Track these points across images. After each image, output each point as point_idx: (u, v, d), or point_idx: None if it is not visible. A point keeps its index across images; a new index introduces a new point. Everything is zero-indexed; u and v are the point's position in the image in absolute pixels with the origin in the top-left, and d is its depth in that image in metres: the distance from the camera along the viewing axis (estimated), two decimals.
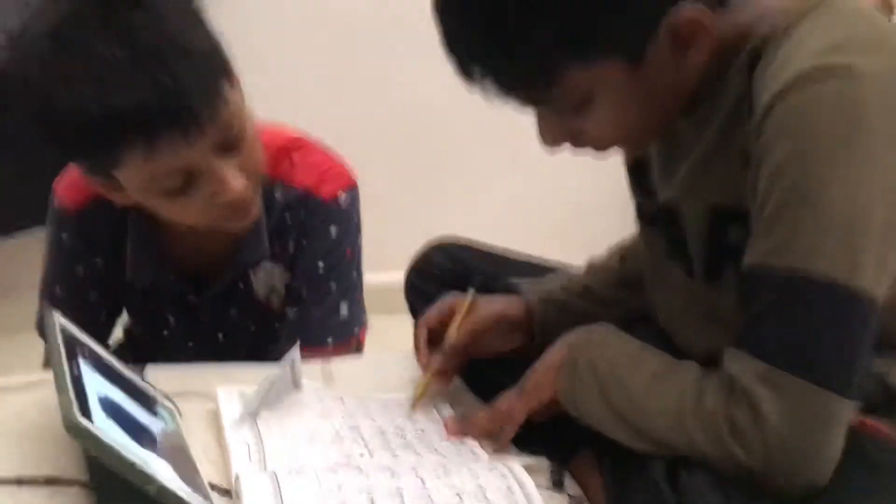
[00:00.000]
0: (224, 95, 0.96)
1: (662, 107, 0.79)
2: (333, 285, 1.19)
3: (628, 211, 1.04)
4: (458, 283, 1.17)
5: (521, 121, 0.86)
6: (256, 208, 1.08)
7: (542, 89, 0.75)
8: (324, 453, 0.86)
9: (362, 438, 0.90)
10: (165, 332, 1.27)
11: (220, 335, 1.26)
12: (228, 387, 0.98)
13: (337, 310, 1.20)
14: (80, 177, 1.09)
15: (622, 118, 0.78)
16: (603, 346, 0.87)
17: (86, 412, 0.70)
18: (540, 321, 1.02)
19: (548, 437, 0.96)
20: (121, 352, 1.40)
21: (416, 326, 1.04)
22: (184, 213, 1.03)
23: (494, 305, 1.02)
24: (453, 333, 1.00)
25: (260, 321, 1.26)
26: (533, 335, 1.03)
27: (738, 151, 0.75)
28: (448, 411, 1.01)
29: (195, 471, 0.81)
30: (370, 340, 1.27)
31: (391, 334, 1.45)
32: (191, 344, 1.27)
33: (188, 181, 0.98)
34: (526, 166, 2.48)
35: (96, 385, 0.78)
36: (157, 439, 0.81)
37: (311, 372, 1.08)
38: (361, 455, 0.87)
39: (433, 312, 1.02)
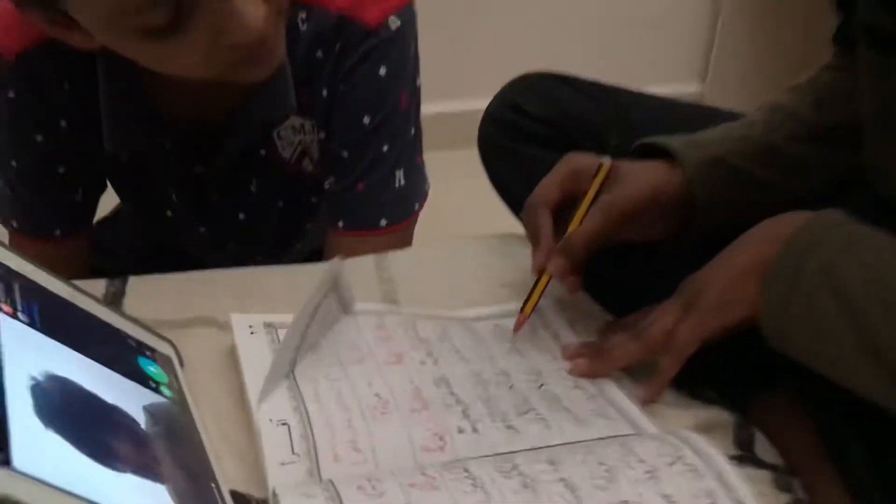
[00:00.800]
0: None
1: None
2: (385, 147, 0.85)
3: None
4: (556, 136, 0.83)
5: None
6: (281, 50, 0.73)
7: None
8: (406, 434, 0.56)
9: (457, 399, 0.60)
10: (169, 213, 0.95)
11: (241, 214, 0.94)
12: (249, 315, 0.66)
13: (391, 180, 0.87)
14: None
15: None
16: (849, 247, 0.55)
17: (1, 438, 0.39)
18: (706, 198, 0.69)
19: (712, 365, 0.65)
20: (117, 229, 1.10)
21: (528, 208, 0.70)
22: (175, 63, 0.68)
23: (642, 178, 0.68)
24: (581, 219, 0.67)
25: (290, 194, 0.93)
26: (689, 219, 0.70)
27: None
28: (569, 335, 0.70)
29: (208, 475, 0.52)
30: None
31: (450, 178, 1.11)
32: (203, 229, 0.95)
33: (179, 15, 0.63)
34: None
35: (32, 360, 0.47)
36: (142, 429, 0.51)
37: (363, 277, 0.77)
38: (461, 431, 0.57)
39: (552, 187, 0.69)
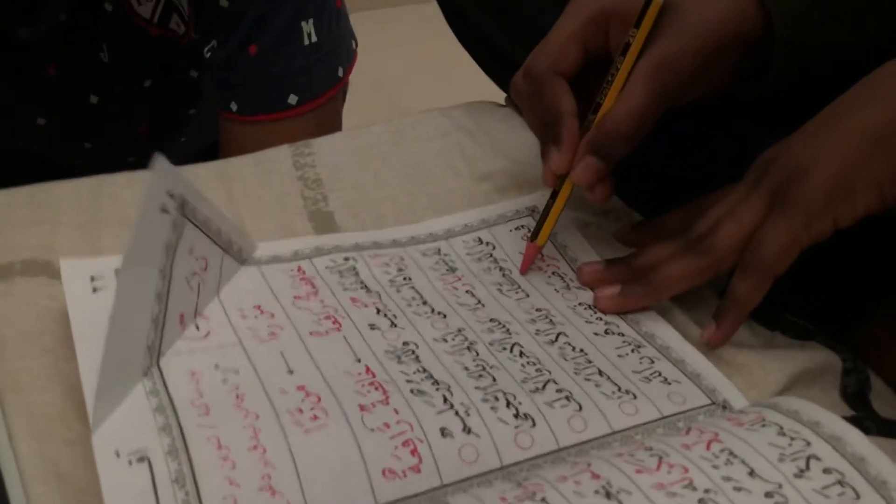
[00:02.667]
0: None
1: None
2: None
3: None
4: None
5: None
6: None
7: None
8: (355, 450, 0.33)
9: (432, 379, 0.37)
10: None
11: (91, 96, 0.68)
12: (88, 261, 0.42)
13: (296, 36, 0.62)
14: None
15: None
16: None
17: None
18: (791, 34, 0.45)
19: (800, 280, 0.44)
20: None
21: (529, 78, 0.45)
22: None
23: (705, 16, 0.43)
24: (620, 90, 0.43)
25: (158, 66, 0.67)
26: (765, 64, 0.46)
27: None
28: (582, 248, 0.48)
29: None
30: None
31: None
32: (41, 120, 0.69)
33: None
34: None
35: None
36: None
37: (278, 178, 0.53)
38: (445, 433, 0.34)
39: (567, 41, 0.44)
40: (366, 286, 0.42)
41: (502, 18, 0.56)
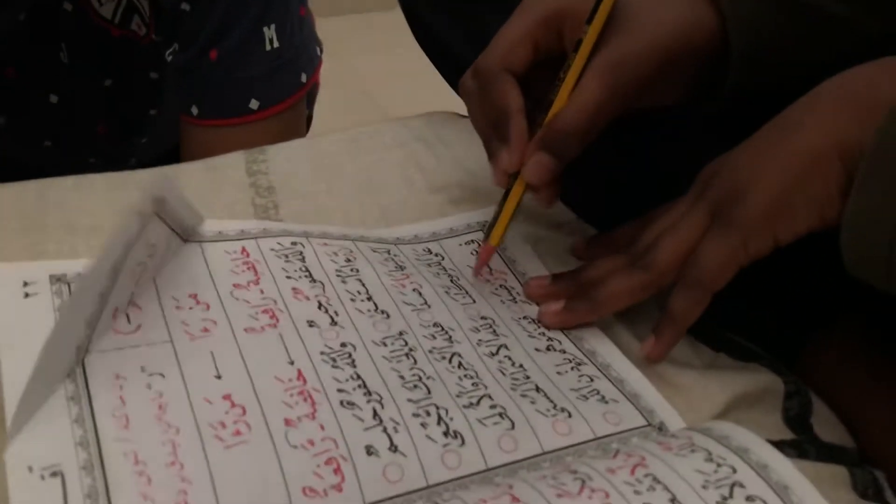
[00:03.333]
0: None
1: None
2: None
3: None
4: None
5: None
6: None
7: None
8: (276, 469, 0.33)
9: (364, 389, 0.36)
10: None
11: (51, 96, 0.67)
12: (24, 265, 0.42)
13: (257, 41, 0.61)
14: None
15: None
16: None
17: None
18: (747, 45, 0.44)
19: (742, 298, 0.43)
20: None
21: (479, 76, 0.44)
22: None
23: (659, 20, 0.42)
24: (571, 90, 0.43)
25: (118, 68, 0.66)
26: (721, 77, 0.46)
27: None
28: (532, 261, 0.47)
29: None
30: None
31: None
32: (1, 119, 0.68)
33: None
34: None
35: None
36: None
37: (228, 187, 0.52)
38: (371, 452, 0.34)
39: (518, 40, 0.43)
40: (310, 274, 0.41)
41: (463, 25, 0.56)
